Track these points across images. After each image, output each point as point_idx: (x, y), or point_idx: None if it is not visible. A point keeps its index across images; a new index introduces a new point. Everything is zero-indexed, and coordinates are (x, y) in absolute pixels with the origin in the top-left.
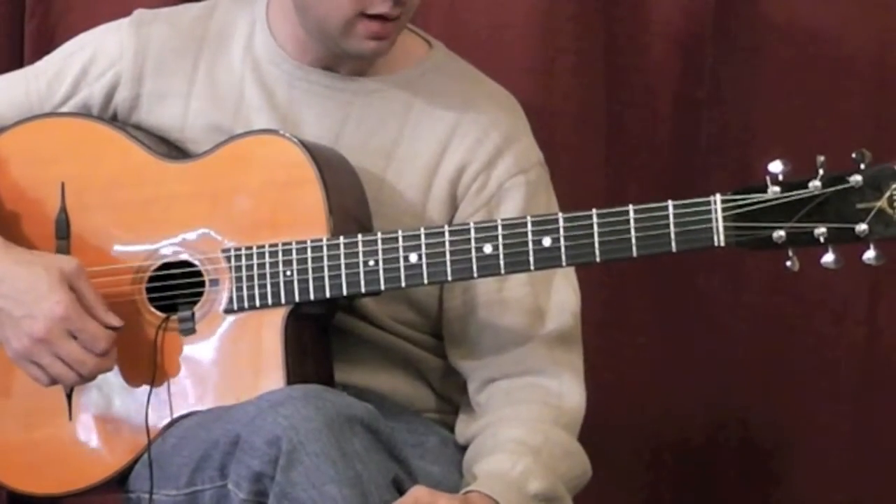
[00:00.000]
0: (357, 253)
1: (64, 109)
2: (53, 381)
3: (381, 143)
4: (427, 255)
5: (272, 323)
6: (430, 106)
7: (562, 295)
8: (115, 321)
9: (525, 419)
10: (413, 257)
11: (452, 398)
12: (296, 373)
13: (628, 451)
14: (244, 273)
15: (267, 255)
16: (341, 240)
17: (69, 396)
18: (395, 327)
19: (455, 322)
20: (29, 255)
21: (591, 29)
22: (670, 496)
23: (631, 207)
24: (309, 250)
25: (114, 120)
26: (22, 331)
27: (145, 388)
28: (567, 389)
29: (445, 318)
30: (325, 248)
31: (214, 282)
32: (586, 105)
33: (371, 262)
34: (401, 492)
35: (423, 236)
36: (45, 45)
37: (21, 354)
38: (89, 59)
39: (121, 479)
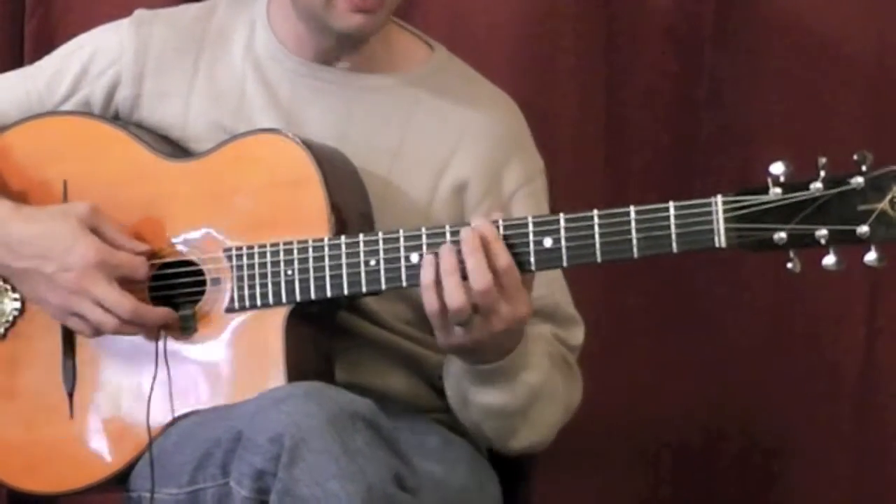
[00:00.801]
0: (358, 253)
1: (65, 108)
2: (97, 332)
3: (387, 141)
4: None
5: (273, 322)
6: (436, 106)
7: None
8: (143, 246)
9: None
10: (414, 257)
11: None
12: (297, 372)
13: (628, 451)
14: (245, 272)
15: (268, 254)
16: (342, 239)
17: (70, 395)
18: (398, 326)
19: None
20: (41, 213)
21: (591, 29)
22: (670, 496)
23: (632, 208)
24: (310, 250)
25: (116, 118)
26: (57, 285)
27: (146, 386)
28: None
29: None
30: (326, 248)
31: (216, 281)
32: (586, 105)
33: (372, 262)
34: (403, 488)
35: (424, 236)
36: (45, 45)
37: (62, 309)
38: (89, 57)
39: (122, 478)
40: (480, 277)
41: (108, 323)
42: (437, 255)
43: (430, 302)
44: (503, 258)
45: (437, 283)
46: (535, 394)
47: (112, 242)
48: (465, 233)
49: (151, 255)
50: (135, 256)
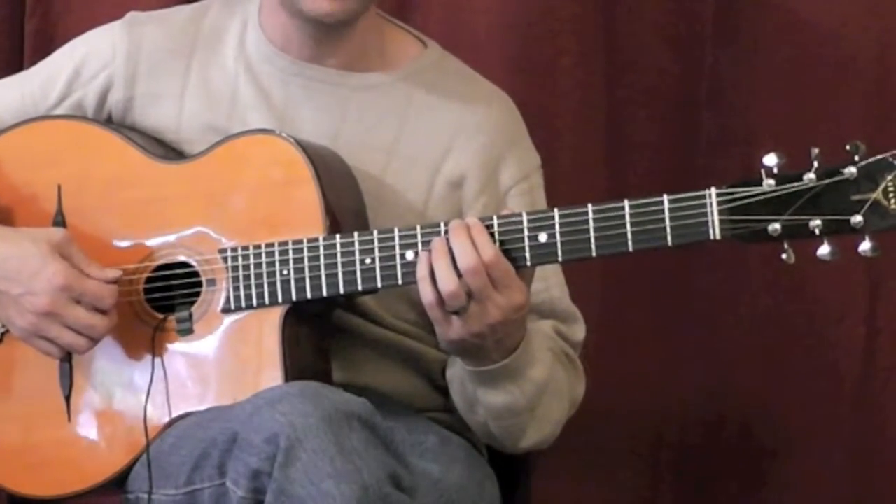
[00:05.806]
0: (353, 251)
1: (58, 111)
2: (65, 352)
3: (382, 140)
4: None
5: (270, 322)
6: (429, 103)
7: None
8: (112, 274)
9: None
10: (410, 255)
11: None
12: (294, 372)
13: (628, 451)
14: (241, 273)
15: (264, 254)
16: (338, 238)
17: (68, 398)
18: (396, 324)
19: None
20: (13, 232)
21: (591, 29)
22: (670, 496)
23: (626, 202)
24: (305, 249)
25: (109, 121)
26: (24, 308)
27: (143, 388)
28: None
29: None
30: (321, 247)
31: (211, 282)
32: (586, 105)
33: (368, 260)
34: (399, 488)
35: (419, 234)
36: (45, 45)
37: (28, 332)
38: (81, 60)
39: (120, 480)
40: (466, 257)
41: (81, 345)
42: (429, 249)
43: (425, 293)
44: (487, 250)
45: (432, 274)
46: (541, 390)
47: (81, 269)
48: (452, 223)
49: (145, 259)
50: (103, 285)
